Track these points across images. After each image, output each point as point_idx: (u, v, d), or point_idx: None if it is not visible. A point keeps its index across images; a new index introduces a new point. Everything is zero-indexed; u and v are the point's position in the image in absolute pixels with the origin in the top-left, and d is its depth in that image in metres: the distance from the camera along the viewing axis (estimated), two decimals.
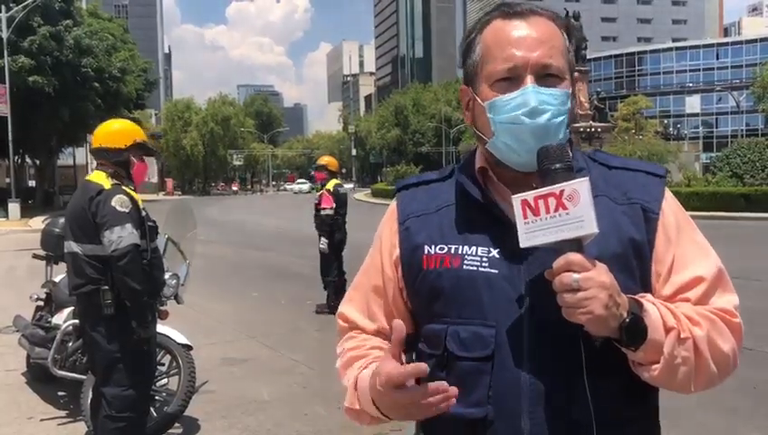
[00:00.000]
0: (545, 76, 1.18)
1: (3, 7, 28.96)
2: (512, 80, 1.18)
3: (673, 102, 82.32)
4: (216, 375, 5.76)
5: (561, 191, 1.07)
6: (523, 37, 1.19)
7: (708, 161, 40.07)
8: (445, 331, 1.22)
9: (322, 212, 8.39)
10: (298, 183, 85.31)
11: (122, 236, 3.38)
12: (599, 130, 36.32)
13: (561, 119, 1.18)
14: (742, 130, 65.44)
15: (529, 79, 1.17)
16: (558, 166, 1.10)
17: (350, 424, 4.52)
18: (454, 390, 1.12)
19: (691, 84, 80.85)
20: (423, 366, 1.11)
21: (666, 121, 73.79)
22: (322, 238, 8.46)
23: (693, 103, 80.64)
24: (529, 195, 1.10)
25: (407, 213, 1.33)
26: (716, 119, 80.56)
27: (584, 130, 35.70)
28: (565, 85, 1.20)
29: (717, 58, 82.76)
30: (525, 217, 1.10)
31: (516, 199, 1.11)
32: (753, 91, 54.47)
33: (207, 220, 24.76)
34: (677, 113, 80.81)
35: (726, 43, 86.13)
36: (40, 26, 32.04)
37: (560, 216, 1.07)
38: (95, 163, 3.78)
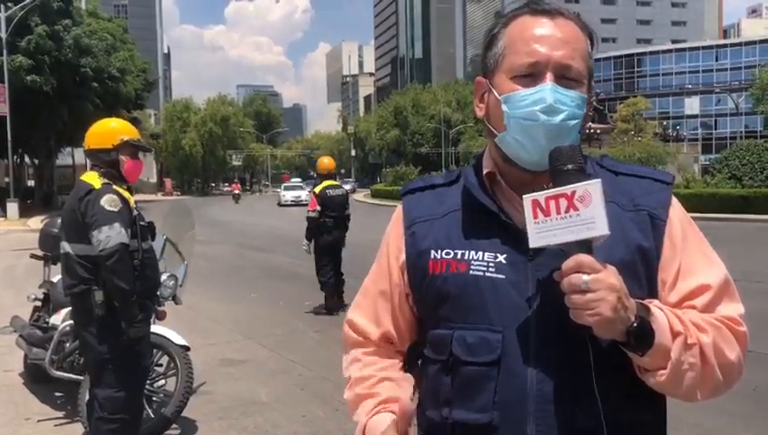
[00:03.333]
0: (564, 78, 1.18)
1: (1, 7, 28.95)
2: (532, 76, 1.18)
3: (672, 104, 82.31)
4: (214, 376, 5.74)
5: (573, 192, 1.06)
6: (548, 35, 1.19)
7: (707, 163, 40.11)
8: (451, 335, 1.22)
9: (306, 215, 8.45)
10: (287, 187, 48.49)
11: (110, 236, 3.37)
12: (598, 131, 36.50)
13: (575, 122, 1.18)
14: (741, 132, 65.46)
15: (549, 77, 1.17)
16: (570, 167, 1.09)
17: (348, 426, 4.49)
18: None
19: (690, 86, 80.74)
20: None
21: (665, 123, 73.84)
22: (305, 240, 8.56)
23: (692, 105, 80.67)
24: (540, 195, 1.09)
25: (413, 217, 1.32)
26: (715, 120, 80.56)
27: (583, 132, 35.78)
28: (583, 90, 1.21)
29: (717, 60, 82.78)
30: (536, 217, 1.09)
31: (527, 199, 1.10)
32: (752, 93, 54.53)
33: (207, 221, 24.74)
34: (677, 115, 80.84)
35: (726, 45, 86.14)
36: (38, 26, 31.99)
37: (570, 217, 1.06)
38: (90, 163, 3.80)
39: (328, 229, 8.41)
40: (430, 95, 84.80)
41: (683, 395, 1.15)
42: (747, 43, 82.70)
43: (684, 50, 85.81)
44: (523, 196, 1.12)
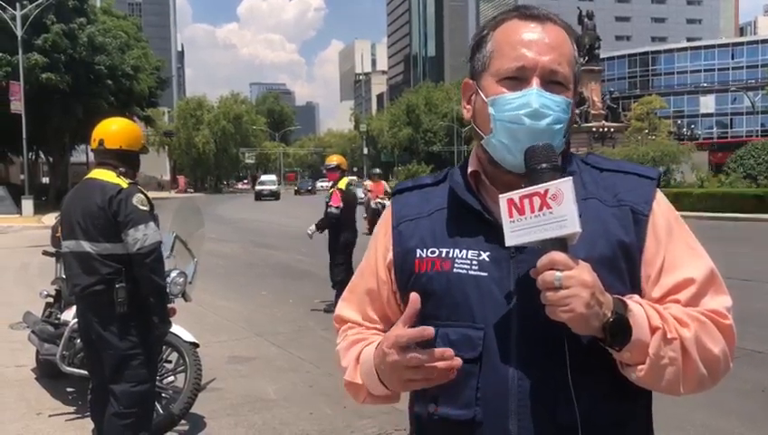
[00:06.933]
0: (551, 82, 1.20)
1: (17, 5, 29.22)
2: (518, 79, 1.20)
3: (687, 102, 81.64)
4: (223, 373, 5.77)
5: (546, 190, 1.08)
6: (536, 40, 1.21)
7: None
8: (435, 333, 1.22)
9: (329, 209, 8.40)
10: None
11: (147, 235, 3.45)
12: (611, 129, 36.14)
13: (560, 126, 1.19)
14: (756, 131, 64.87)
15: (535, 81, 1.19)
16: (544, 166, 1.11)
17: (356, 424, 4.51)
18: (458, 360, 1.13)
19: (706, 84, 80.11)
20: (429, 330, 1.13)
21: (679, 122, 73.22)
22: (312, 226, 8.46)
23: (707, 103, 79.98)
24: (515, 194, 1.11)
25: (400, 216, 1.35)
26: (731, 119, 79.87)
27: (597, 130, 35.51)
28: (569, 94, 1.22)
29: (732, 58, 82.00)
30: (511, 215, 1.11)
31: (503, 199, 1.12)
32: None
33: (219, 218, 24.85)
34: (692, 113, 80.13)
35: (742, 43, 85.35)
36: (53, 24, 32.29)
37: (544, 215, 1.08)
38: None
39: (348, 227, 8.42)
40: (443, 93, 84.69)
41: (665, 389, 1.16)
42: (764, 41, 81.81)
43: (699, 48, 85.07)
44: (500, 195, 1.13)
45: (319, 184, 66.46)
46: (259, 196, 50.66)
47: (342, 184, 8.47)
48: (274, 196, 50.74)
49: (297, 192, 61.14)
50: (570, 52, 1.23)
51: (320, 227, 8.46)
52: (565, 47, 1.23)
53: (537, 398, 1.15)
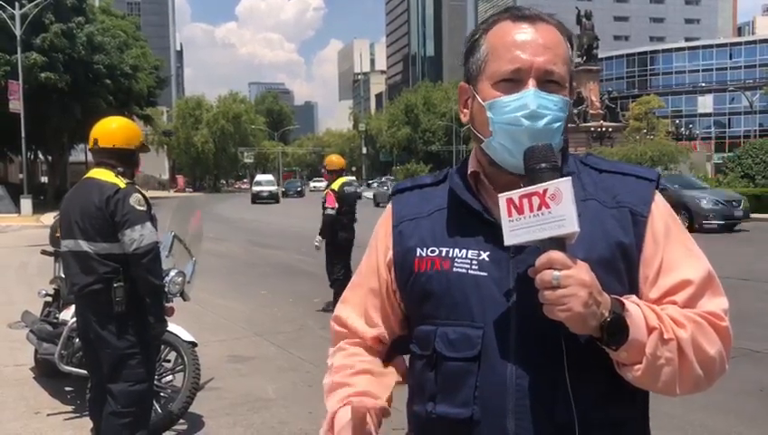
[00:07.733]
0: (547, 82, 1.20)
1: (16, 4, 29.22)
2: (514, 81, 1.20)
3: (685, 102, 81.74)
4: (222, 372, 5.77)
5: (545, 190, 1.08)
6: (530, 41, 1.20)
7: (720, 162, 39.83)
8: (434, 332, 1.24)
9: (325, 211, 8.41)
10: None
11: (144, 235, 3.46)
12: (610, 129, 36.23)
13: (558, 125, 1.20)
14: (755, 131, 64.86)
15: (531, 82, 1.19)
16: (543, 165, 1.11)
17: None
18: None
19: (704, 84, 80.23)
20: None
21: (678, 121, 73.29)
22: (318, 236, 8.48)
23: (705, 103, 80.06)
24: (514, 193, 1.11)
25: (400, 216, 1.35)
26: (729, 119, 79.96)
27: (595, 130, 35.58)
28: (565, 93, 1.22)
29: (730, 58, 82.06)
30: (510, 215, 1.11)
31: (502, 198, 1.13)
32: (766, 92, 54.07)
33: (218, 218, 24.83)
34: (690, 113, 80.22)
35: (740, 43, 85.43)
36: (52, 23, 32.29)
37: (542, 214, 1.08)
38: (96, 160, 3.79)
39: (344, 226, 8.42)
40: (441, 93, 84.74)
41: (661, 389, 1.16)
42: (762, 41, 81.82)
43: (697, 48, 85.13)
44: (499, 195, 1.13)
45: (312, 184, 65.06)
46: (256, 198, 44.52)
47: (336, 185, 8.48)
48: (274, 198, 44.89)
49: (285, 194, 53.00)
50: (564, 50, 1.24)
51: (322, 233, 8.44)
52: (559, 47, 1.23)
53: (535, 397, 1.16)
